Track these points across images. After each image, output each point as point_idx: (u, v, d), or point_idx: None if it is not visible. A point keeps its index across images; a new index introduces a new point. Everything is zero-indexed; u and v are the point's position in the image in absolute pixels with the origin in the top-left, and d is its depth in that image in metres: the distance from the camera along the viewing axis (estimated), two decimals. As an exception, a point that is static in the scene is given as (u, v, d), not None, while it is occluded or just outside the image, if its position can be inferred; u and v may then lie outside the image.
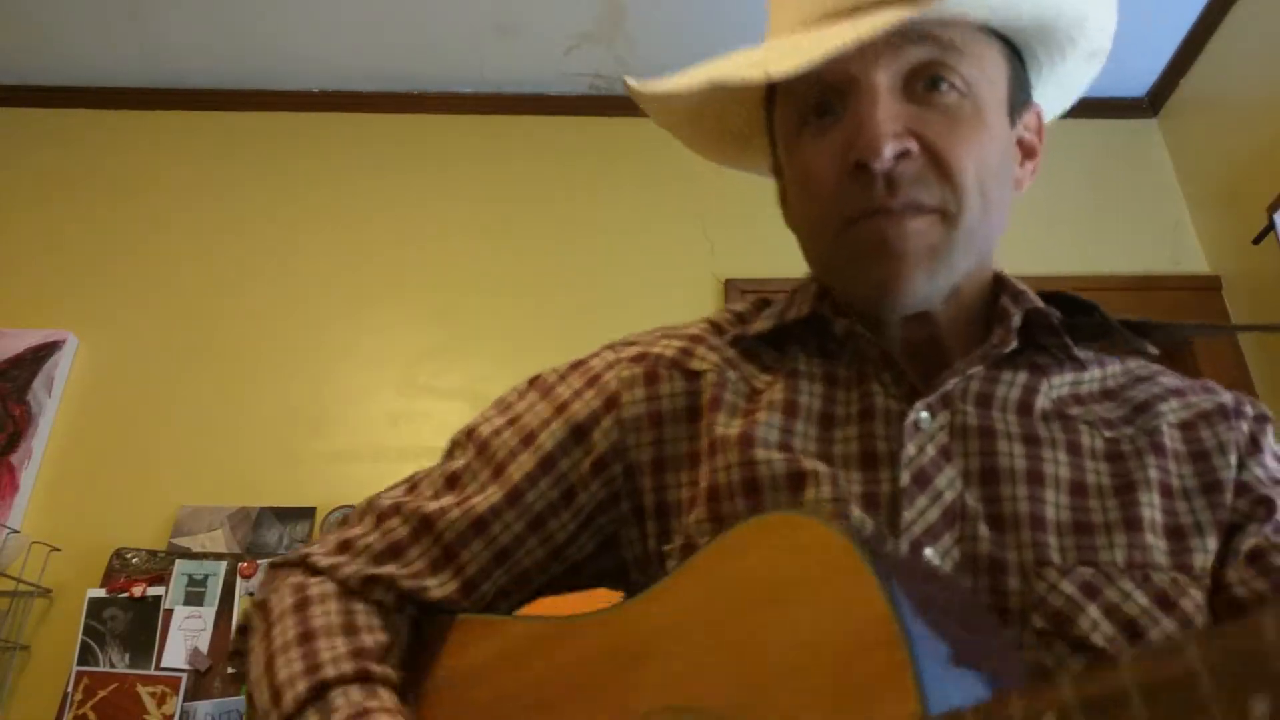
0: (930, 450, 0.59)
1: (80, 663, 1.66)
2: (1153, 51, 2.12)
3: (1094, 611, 0.53)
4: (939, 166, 0.59)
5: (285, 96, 2.21)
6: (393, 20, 2.04)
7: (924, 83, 0.60)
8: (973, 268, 0.64)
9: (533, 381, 0.72)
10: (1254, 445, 0.61)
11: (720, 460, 0.61)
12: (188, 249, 2.06)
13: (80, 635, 1.68)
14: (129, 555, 1.76)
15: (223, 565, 1.75)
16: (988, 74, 0.62)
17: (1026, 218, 2.13)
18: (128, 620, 1.70)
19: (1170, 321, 0.67)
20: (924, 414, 0.60)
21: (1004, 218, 0.64)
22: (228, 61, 2.15)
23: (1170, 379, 0.66)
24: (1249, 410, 0.63)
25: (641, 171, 2.16)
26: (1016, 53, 0.66)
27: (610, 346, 0.72)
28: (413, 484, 0.70)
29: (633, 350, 0.70)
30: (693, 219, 2.13)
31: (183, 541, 1.79)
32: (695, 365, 0.67)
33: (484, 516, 0.65)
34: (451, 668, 0.61)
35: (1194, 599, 0.55)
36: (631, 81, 0.66)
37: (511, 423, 0.69)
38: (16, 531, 1.78)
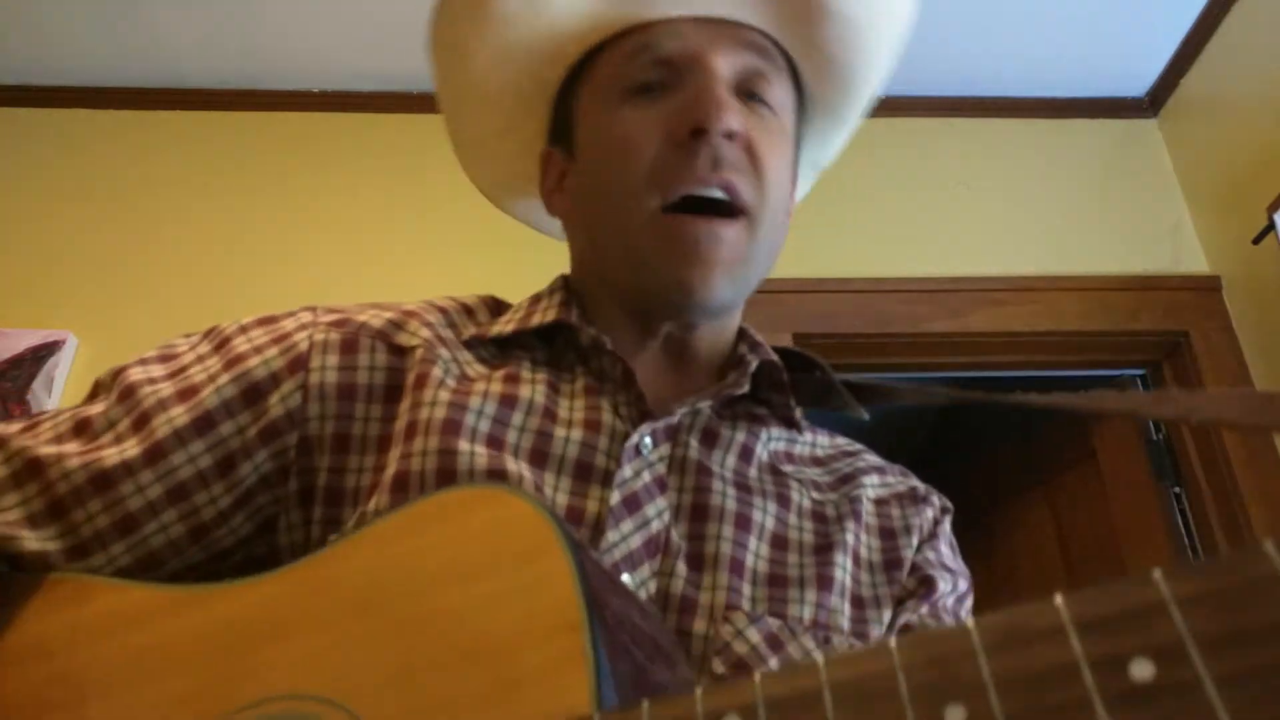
0: (646, 476, 0.57)
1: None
2: (1153, 51, 2.12)
3: (774, 665, 0.51)
4: (755, 165, 0.60)
5: (285, 96, 2.21)
6: (393, 21, 2.04)
7: (745, 93, 0.63)
8: (756, 285, 0.65)
9: (209, 331, 0.62)
10: (934, 532, 0.64)
11: (417, 445, 0.54)
12: (188, 249, 2.06)
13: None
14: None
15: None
16: (788, 118, 0.66)
17: (1027, 218, 2.14)
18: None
19: (894, 384, 0.69)
20: (647, 439, 0.58)
21: (775, 254, 0.66)
22: (228, 61, 2.15)
23: (872, 458, 0.69)
24: (935, 500, 0.67)
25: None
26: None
27: (311, 308, 0.64)
28: (35, 422, 0.57)
29: (335, 316, 0.62)
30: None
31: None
32: (404, 340, 0.60)
33: (111, 473, 0.53)
34: (26, 633, 0.49)
35: None
36: None
37: (171, 372, 0.58)
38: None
